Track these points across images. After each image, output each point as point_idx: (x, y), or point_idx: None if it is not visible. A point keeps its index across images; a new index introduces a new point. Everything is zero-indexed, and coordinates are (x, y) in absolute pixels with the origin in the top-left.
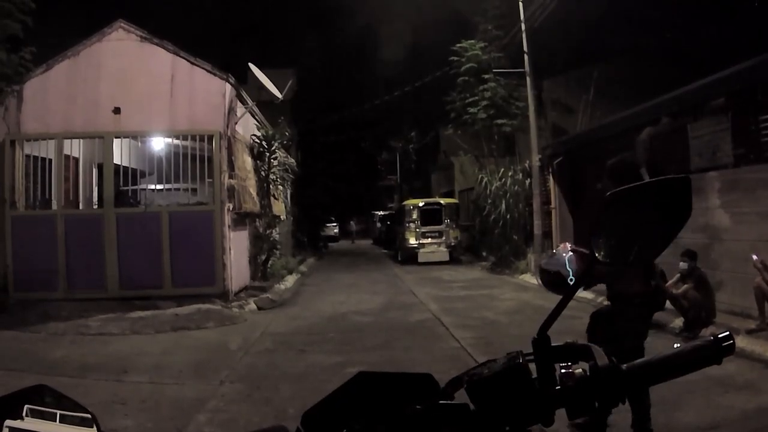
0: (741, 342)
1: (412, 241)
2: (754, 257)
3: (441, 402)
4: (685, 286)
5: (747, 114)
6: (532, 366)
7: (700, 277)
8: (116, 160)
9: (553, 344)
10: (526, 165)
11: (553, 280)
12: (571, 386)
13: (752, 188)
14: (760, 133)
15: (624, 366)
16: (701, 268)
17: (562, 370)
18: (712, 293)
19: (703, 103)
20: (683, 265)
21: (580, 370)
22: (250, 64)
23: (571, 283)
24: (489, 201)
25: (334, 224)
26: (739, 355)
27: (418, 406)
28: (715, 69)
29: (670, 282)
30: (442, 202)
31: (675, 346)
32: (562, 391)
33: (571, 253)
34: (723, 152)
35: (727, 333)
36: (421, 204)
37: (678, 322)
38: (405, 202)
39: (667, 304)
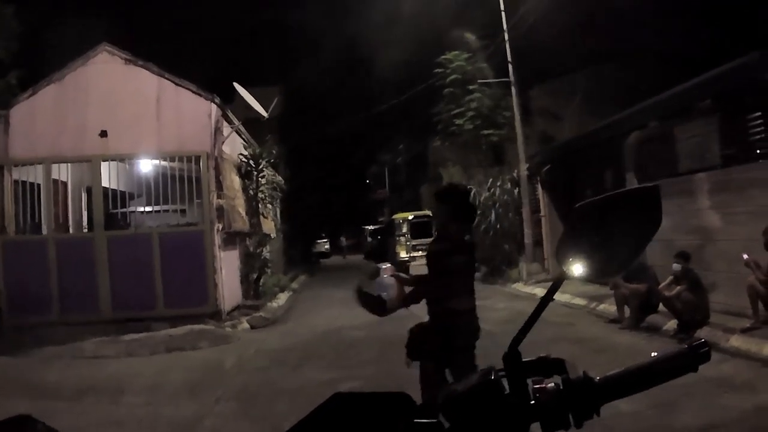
0: (736, 341)
1: (403, 254)
2: (745, 256)
3: (416, 421)
4: (678, 287)
5: (734, 114)
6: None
7: (694, 278)
8: (105, 183)
9: (525, 359)
10: (515, 174)
11: (371, 302)
12: (545, 400)
13: (742, 188)
14: (748, 133)
15: (597, 378)
16: (694, 269)
17: (535, 385)
18: (705, 294)
19: (690, 106)
20: (676, 266)
21: (553, 384)
22: (235, 84)
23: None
24: (479, 212)
25: (325, 240)
26: (735, 354)
27: (393, 426)
28: (702, 70)
29: (663, 284)
30: (431, 214)
31: (652, 354)
32: (535, 406)
33: (392, 278)
34: (712, 153)
35: (702, 341)
36: (410, 217)
37: (672, 324)
38: (395, 216)
39: (660, 306)
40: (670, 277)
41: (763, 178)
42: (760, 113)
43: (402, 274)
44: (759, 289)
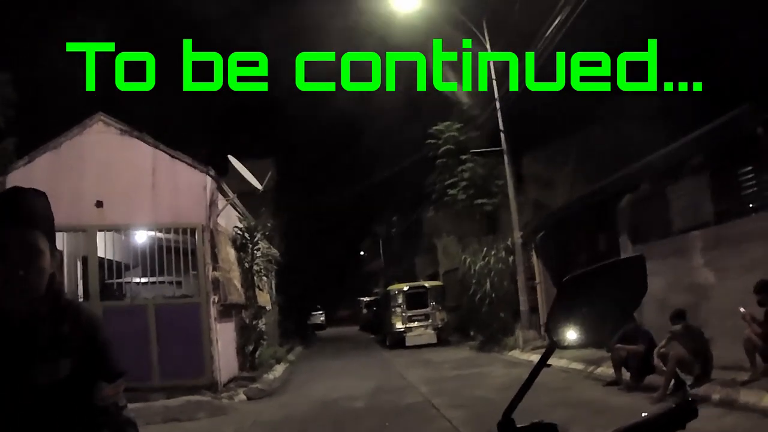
0: (735, 394)
1: (399, 325)
2: (742, 310)
3: None
4: (679, 347)
5: (726, 169)
6: None
7: (691, 331)
8: (100, 254)
9: (519, 426)
10: (509, 242)
11: None
12: None
13: (736, 242)
14: (740, 187)
15: None
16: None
17: None
18: (706, 341)
19: (680, 164)
20: (677, 327)
21: None
22: (230, 156)
23: None
24: (474, 280)
25: (321, 312)
26: (735, 407)
27: None
28: (691, 123)
29: (660, 344)
30: (426, 285)
31: (642, 414)
32: None
33: None
34: (704, 210)
35: (689, 399)
36: (405, 288)
37: (688, 378)
38: (390, 287)
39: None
40: (668, 335)
41: (754, 231)
42: (751, 167)
43: None
44: (756, 342)
